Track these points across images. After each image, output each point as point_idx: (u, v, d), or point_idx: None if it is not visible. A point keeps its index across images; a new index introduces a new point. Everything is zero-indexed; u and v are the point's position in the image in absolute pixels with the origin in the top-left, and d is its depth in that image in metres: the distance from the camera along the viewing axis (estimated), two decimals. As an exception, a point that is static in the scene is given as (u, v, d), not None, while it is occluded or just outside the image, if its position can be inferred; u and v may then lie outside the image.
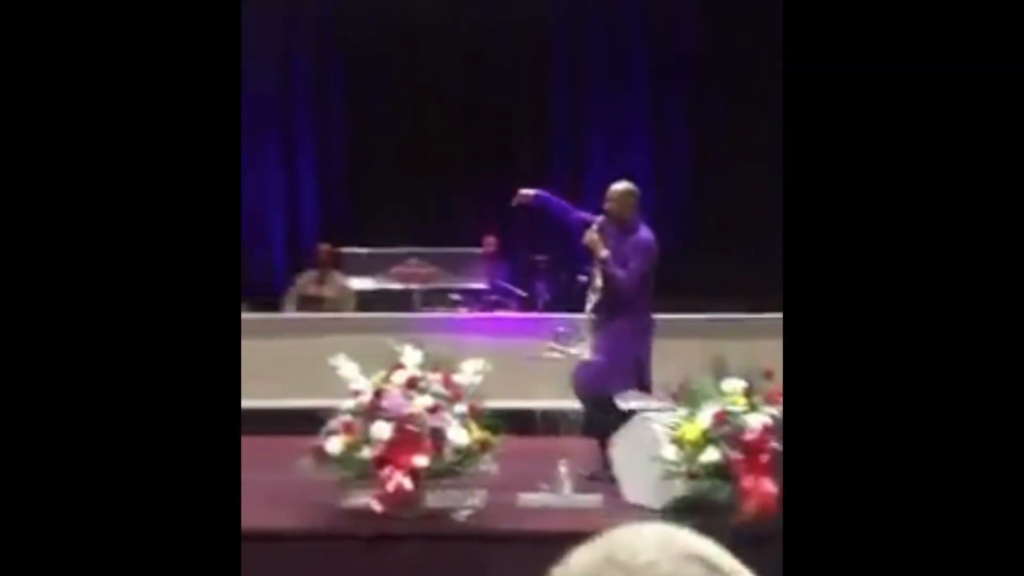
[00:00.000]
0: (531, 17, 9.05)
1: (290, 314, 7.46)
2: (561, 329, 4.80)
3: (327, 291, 7.75)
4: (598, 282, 4.88)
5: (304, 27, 9.55)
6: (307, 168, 9.51)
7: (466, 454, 3.98)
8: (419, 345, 4.23)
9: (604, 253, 4.79)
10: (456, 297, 7.37)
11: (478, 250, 7.65)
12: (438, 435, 3.93)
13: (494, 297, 7.48)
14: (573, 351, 4.70)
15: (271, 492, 4.29)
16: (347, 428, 3.95)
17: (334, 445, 3.93)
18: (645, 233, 4.92)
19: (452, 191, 9.21)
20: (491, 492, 4.25)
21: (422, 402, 3.95)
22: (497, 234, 7.99)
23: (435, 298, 7.30)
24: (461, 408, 4.03)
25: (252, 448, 4.32)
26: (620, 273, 4.78)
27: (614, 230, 4.88)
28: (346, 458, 3.92)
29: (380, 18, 9.09)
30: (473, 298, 7.38)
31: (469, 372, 4.14)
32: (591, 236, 4.83)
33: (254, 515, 4.18)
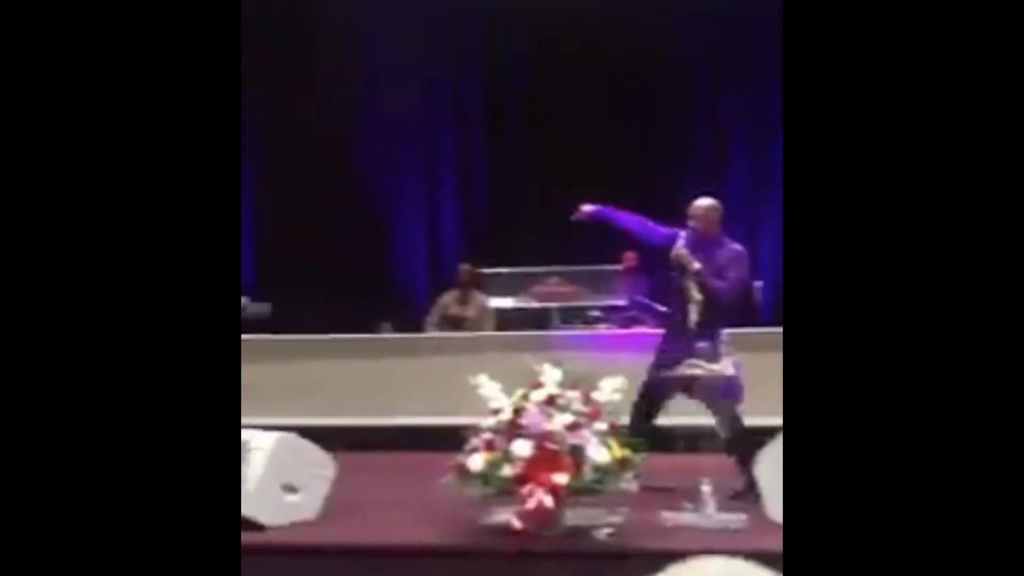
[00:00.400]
0: (671, 35, 9.01)
1: (432, 333, 7.62)
2: (702, 344, 4.74)
3: (468, 311, 7.88)
4: (696, 295, 4.89)
5: (446, 52, 9.77)
6: (448, 190, 9.72)
7: (606, 472, 3.96)
8: (558, 363, 4.25)
9: (697, 266, 4.86)
10: (595, 314, 7.37)
11: (618, 267, 7.64)
12: (578, 453, 3.93)
13: (633, 313, 7.44)
14: (715, 367, 4.63)
15: (416, 508, 4.38)
16: (488, 446, 4.00)
17: (476, 462, 3.99)
18: (735, 245, 5.03)
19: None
20: (632, 510, 4.22)
21: (562, 420, 3.96)
22: (636, 250, 7.95)
23: (573, 315, 7.31)
24: (601, 426, 4.02)
25: (396, 464, 4.49)
26: (720, 284, 4.84)
27: (702, 244, 4.95)
28: (487, 475, 3.97)
29: (520, 42, 9.22)
30: (612, 315, 7.36)
31: (608, 390, 4.12)
32: (679, 251, 4.90)
33: (399, 530, 4.31)
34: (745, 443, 4.56)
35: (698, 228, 4.98)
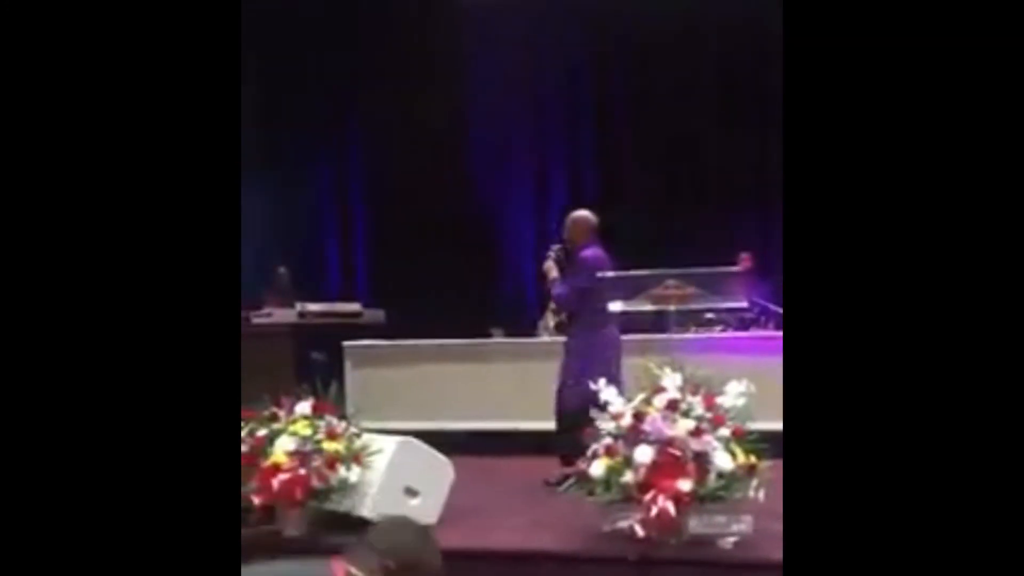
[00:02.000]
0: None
1: (543, 338, 7.60)
2: None
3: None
4: (552, 303, 5.30)
5: (555, 54, 9.76)
6: (559, 193, 9.70)
7: (731, 479, 3.86)
8: (679, 367, 4.17)
9: (554, 275, 5.42)
10: (710, 316, 7.23)
11: (734, 268, 7.49)
12: (702, 459, 3.84)
13: (751, 315, 7.28)
14: None
15: (535, 513, 4.36)
16: (609, 451, 3.95)
17: (597, 468, 3.94)
18: (589, 251, 5.31)
19: (707, 209, 9.10)
20: (759, 519, 4.11)
21: (684, 425, 3.88)
22: (753, 251, 7.80)
23: (689, 318, 7.18)
24: (725, 431, 3.92)
25: (512, 469, 4.49)
26: (558, 289, 5.40)
27: (571, 254, 5.39)
28: (609, 481, 3.92)
29: (630, 41, 9.14)
30: (729, 317, 7.21)
31: (732, 394, 4.02)
32: (547, 264, 5.46)
33: (521, 535, 4.30)
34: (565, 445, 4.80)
35: (566, 239, 5.47)
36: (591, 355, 5.16)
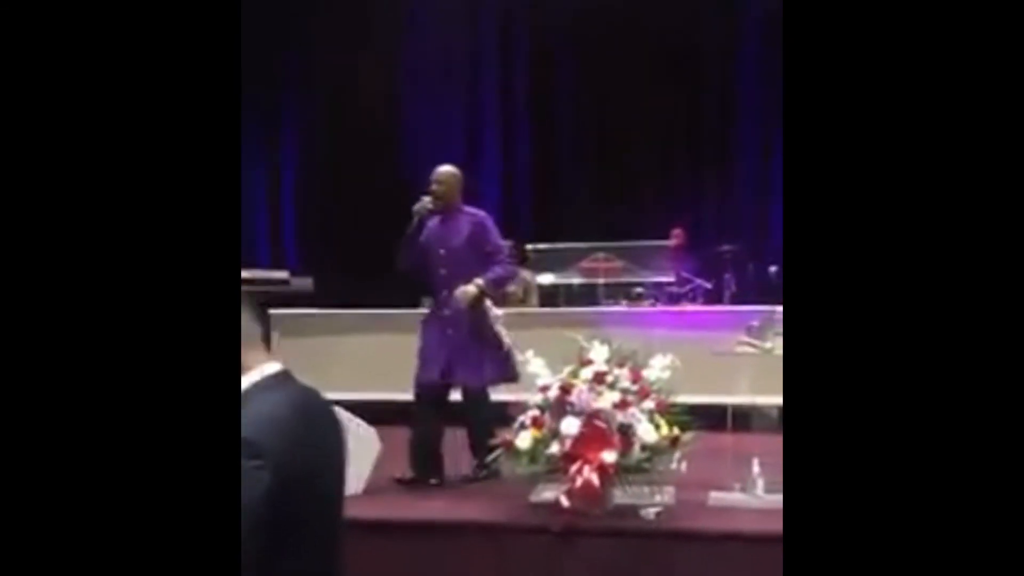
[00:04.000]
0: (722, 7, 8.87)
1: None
2: (754, 323, 4.66)
3: (511, 287, 7.83)
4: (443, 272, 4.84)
5: (491, 20, 9.70)
6: (491, 164, 9.67)
7: (655, 451, 3.92)
8: (606, 340, 4.20)
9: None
10: (639, 291, 7.30)
11: (665, 243, 7.57)
12: (627, 431, 3.89)
13: (679, 290, 7.37)
14: (767, 345, 4.55)
15: (463, 484, 4.37)
16: (536, 423, 3.97)
17: (523, 440, 3.96)
18: (482, 215, 4.91)
19: (639, 184, 9.15)
20: (681, 490, 4.18)
21: (610, 397, 3.91)
22: (684, 226, 7.88)
23: (618, 292, 7.25)
24: (650, 404, 3.96)
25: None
26: (505, 270, 4.87)
27: (444, 213, 4.84)
28: (535, 452, 3.94)
29: (567, 10, 9.11)
30: (658, 291, 7.29)
31: (657, 367, 4.07)
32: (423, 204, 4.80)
33: (444, 506, 4.31)
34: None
35: (443, 195, 4.82)
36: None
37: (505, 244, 4.91)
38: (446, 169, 4.93)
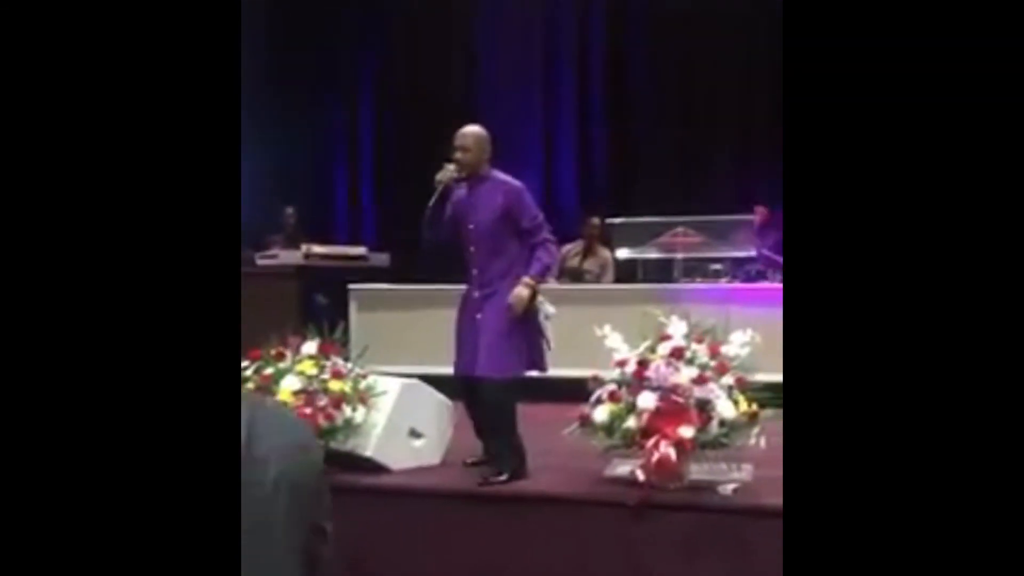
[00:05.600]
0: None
1: (552, 285, 7.59)
2: None
3: (588, 263, 7.82)
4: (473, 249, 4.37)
5: (567, 5, 9.67)
6: (567, 143, 9.63)
7: (733, 426, 3.89)
8: (685, 315, 4.18)
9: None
10: (717, 267, 7.22)
11: (745, 217, 7.47)
12: (705, 406, 3.87)
13: (758, 267, 7.27)
14: None
15: (539, 457, 4.40)
16: (613, 397, 3.97)
17: (600, 413, 3.96)
18: (517, 181, 4.38)
19: (718, 158, 9.04)
20: (759, 466, 4.14)
21: (688, 373, 3.89)
22: (766, 203, 7.77)
23: (695, 268, 7.18)
24: (728, 380, 3.93)
25: (518, 414, 4.51)
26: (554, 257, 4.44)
27: (470, 179, 4.34)
28: (612, 427, 3.94)
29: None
30: (736, 268, 7.21)
31: (736, 344, 4.03)
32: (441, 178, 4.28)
33: (520, 479, 4.33)
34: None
35: (468, 162, 4.28)
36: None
37: (542, 218, 4.36)
38: (470, 130, 4.34)
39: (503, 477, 4.19)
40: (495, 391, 4.22)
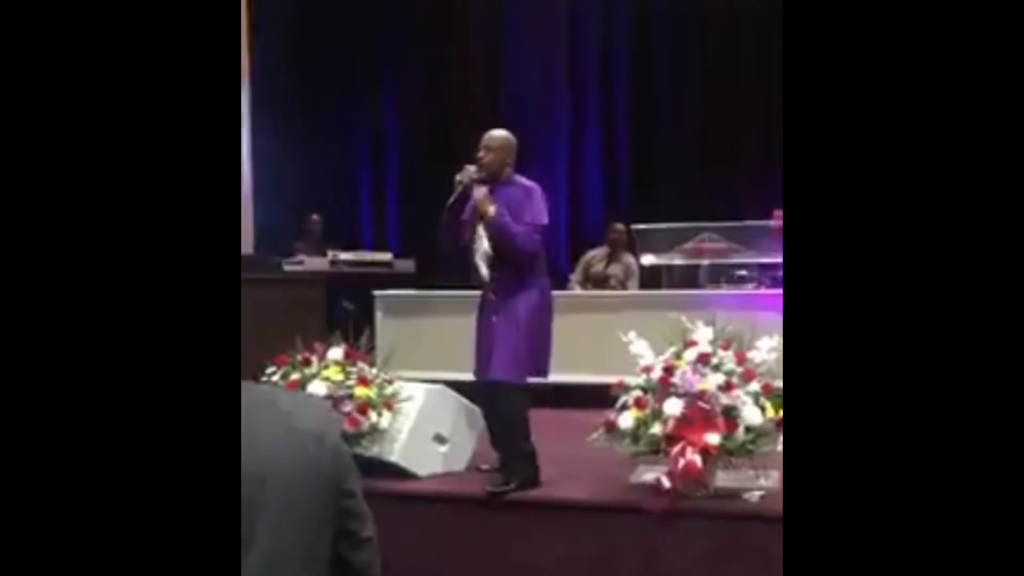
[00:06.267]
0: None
1: (576, 291, 7.59)
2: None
3: (612, 269, 7.81)
4: (486, 246, 4.28)
5: (592, 8, 9.67)
6: (592, 148, 9.62)
7: (759, 433, 3.86)
8: (710, 322, 4.16)
9: (492, 210, 4.20)
10: (742, 273, 7.18)
11: (770, 222, 7.42)
12: (731, 413, 3.84)
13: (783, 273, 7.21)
14: None
15: (563, 464, 4.39)
16: (638, 403, 3.95)
17: (626, 420, 3.95)
18: (528, 182, 4.33)
19: (749, 164, 9.00)
20: (786, 474, 4.11)
21: (714, 379, 3.87)
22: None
23: (720, 273, 7.15)
24: (755, 386, 3.91)
25: (542, 420, 4.50)
26: (517, 230, 4.19)
27: (493, 185, 4.29)
28: (637, 433, 3.93)
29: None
30: (761, 274, 7.16)
31: (764, 350, 4.01)
32: (480, 195, 4.22)
33: (547, 485, 4.33)
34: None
35: (490, 164, 4.28)
36: (545, 311, 4.35)
37: (543, 223, 4.30)
38: (498, 134, 4.37)
39: (511, 486, 4.16)
40: (504, 396, 4.23)
